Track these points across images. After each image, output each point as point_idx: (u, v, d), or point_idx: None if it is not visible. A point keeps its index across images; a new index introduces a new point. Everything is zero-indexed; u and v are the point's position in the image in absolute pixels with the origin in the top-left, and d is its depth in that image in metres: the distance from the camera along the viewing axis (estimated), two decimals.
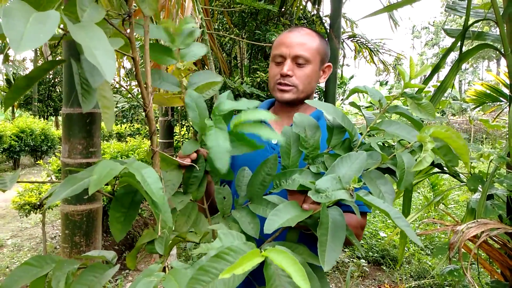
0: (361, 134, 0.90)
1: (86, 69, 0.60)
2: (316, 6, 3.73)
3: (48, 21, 0.45)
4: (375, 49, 5.33)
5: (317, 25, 4.09)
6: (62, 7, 0.66)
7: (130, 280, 3.47)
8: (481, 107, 3.50)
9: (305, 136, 0.86)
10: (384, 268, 3.76)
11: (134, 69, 0.75)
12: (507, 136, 1.23)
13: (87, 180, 0.61)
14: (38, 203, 3.40)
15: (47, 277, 0.70)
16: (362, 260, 3.78)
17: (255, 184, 0.86)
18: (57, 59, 0.68)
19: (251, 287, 0.82)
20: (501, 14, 1.56)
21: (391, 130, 0.84)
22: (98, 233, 1.62)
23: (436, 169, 1.72)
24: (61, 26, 0.62)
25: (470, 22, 1.72)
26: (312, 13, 4.10)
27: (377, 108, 0.90)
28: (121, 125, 9.11)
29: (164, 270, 0.69)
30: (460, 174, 1.68)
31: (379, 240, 4.27)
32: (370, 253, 3.97)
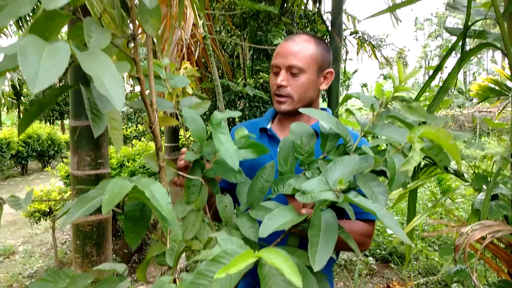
0: (364, 137, 0.92)
1: (96, 95, 0.62)
2: (317, 5, 3.73)
3: (60, 54, 0.47)
4: (377, 45, 5.32)
5: (318, 23, 4.08)
6: (66, 32, 0.68)
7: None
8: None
9: (300, 143, 0.90)
10: (392, 265, 3.77)
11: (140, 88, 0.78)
12: (510, 134, 1.23)
13: (98, 199, 0.63)
14: (48, 210, 3.45)
15: None
16: (370, 258, 3.79)
17: (254, 190, 0.89)
18: (66, 84, 0.70)
19: None
20: (502, 12, 1.56)
21: (385, 133, 0.86)
22: (108, 243, 1.65)
23: (439, 169, 1.73)
24: None
25: (471, 21, 1.72)
26: (314, 12, 4.09)
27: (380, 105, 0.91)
28: (126, 129, 9.16)
29: (174, 281, 0.72)
30: (465, 174, 1.69)
31: (387, 238, 4.27)
32: (378, 250, 3.98)
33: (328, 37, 3.97)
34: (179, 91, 1.03)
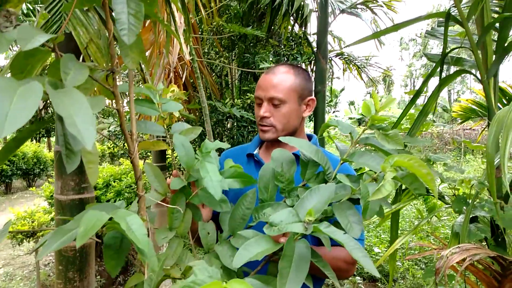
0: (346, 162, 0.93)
1: (68, 134, 0.62)
2: (303, 28, 3.83)
3: (31, 96, 0.47)
4: (362, 66, 5.44)
5: (304, 46, 4.18)
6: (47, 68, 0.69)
7: None
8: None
9: (281, 171, 0.91)
10: (380, 284, 3.77)
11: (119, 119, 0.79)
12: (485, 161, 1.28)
13: (74, 232, 0.64)
14: (31, 231, 3.39)
15: None
16: (358, 278, 3.79)
17: (235, 218, 0.90)
18: (43, 120, 0.71)
19: None
20: (476, 42, 1.63)
21: (362, 161, 0.88)
22: (91, 267, 1.63)
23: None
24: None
25: (448, 49, 1.79)
26: (299, 36, 4.19)
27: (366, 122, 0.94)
28: (113, 149, 9.08)
29: None
30: (445, 196, 1.73)
31: (373, 257, 4.28)
32: (365, 269, 3.98)
33: (314, 59, 4.07)
34: (166, 114, 1.04)
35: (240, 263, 0.67)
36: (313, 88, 1.30)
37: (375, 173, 0.82)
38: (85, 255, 1.58)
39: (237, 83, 4.49)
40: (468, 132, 14.55)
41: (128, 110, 0.82)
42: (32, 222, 3.42)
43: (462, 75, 1.97)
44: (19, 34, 0.54)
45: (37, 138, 14.57)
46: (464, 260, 1.22)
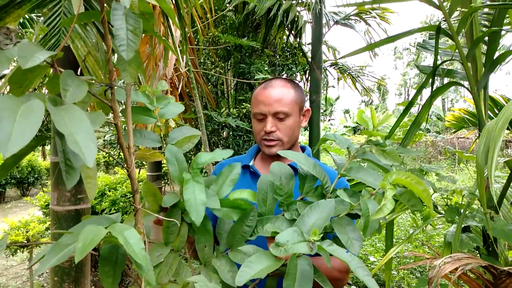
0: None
1: (69, 150, 0.62)
2: (298, 39, 3.88)
3: (33, 115, 0.48)
4: (357, 75, 5.51)
5: (299, 56, 4.23)
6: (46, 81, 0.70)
7: None
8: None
9: (280, 184, 0.91)
10: None
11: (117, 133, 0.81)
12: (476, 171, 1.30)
13: (72, 247, 0.63)
14: (25, 241, 3.36)
15: None
16: (353, 287, 3.79)
17: (235, 234, 0.89)
18: (43, 135, 0.72)
19: None
20: (466, 54, 1.67)
21: (359, 176, 0.89)
22: (86, 278, 1.63)
23: None
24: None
25: (439, 61, 1.83)
26: (294, 47, 4.24)
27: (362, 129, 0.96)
28: (108, 158, 9.04)
29: None
30: (438, 206, 1.75)
31: (369, 265, 4.29)
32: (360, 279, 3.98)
33: (308, 69, 4.12)
34: (163, 123, 1.01)
35: (244, 281, 0.67)
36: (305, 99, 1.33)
37: (374, 189, 0.83)
38: (81, 266, 1.57)
39: (232, 92, 4.52)
40: (462, 140, 14.69)
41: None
42: (27, 232, 3.39)
43: None
44: (19, 52, 0.55)
45: None
46: (456, 269, 1.24)
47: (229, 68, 4.32)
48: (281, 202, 0.90)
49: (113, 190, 4.20)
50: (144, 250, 0.62)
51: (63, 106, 0.56)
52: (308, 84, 4.19)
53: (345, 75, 5.44)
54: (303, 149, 1.32)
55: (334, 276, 1.08)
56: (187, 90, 3.89)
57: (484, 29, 1.86)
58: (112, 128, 6.15)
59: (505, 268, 1.26)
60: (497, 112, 2.38)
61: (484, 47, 1.75)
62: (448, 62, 1.91)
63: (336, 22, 4.18)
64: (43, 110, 0.49)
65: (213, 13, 3.86)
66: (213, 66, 4.27)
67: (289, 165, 1.10)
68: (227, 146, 3.95)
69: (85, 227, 0.60)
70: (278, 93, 1.17)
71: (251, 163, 1.29)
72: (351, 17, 4.29)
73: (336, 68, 5.33)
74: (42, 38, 1.16)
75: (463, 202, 1.59)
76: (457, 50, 1.69)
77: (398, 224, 6.15)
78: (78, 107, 0.56)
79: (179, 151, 0.88)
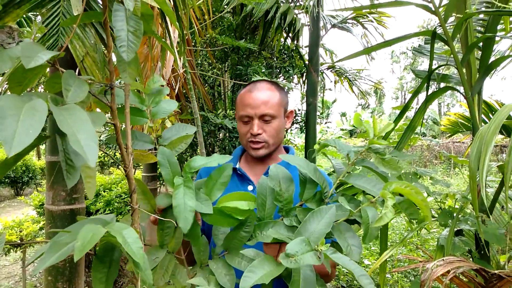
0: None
1: (70, 149, 0.64)
2: (295, 42, 3.90)
3: (37, 114, 0.48)
4: (354, 79, 5.53)
5: (296, 59, 4.24)
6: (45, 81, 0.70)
7: None
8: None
9: (279, 190, 0.90)
10: None
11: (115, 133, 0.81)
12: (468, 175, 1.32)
13: (71, 246, 0.63)
14: (18, 241, 3.34)
15: None
16: None
17: (233, 238, 0.88)
18: (45, 135, 0.72)
19: None
20: (460, 60, 1.69)
21: (358, 184, 0.90)
22: (80, 278, 1.63)
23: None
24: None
25: (434, 66, 1.85)
26: (291, 49, 4.26)
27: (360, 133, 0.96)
28: (104, 158, 9.00)
29: None
30: (432, 210, 1.77)
31: (364, 268, 4.30)
32: (355, 282, 4.00)
33: (305, 72, 4.14)
34: (159, 124, 1.01)
35: (250, 284, 0.68)
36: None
37: (374, 197, 0.84)
38: (75, 266, 1.57)
39: (229, 94, 4.53)
40: (458, 145, 14.76)
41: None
42: (20, 231, 3.38)
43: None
44: (23, 51, 0.55)
45: None
46: (448, 272, 1.26)
47: (226, 69, 4.32)
48: (281, 208, 0.90)
49: (108, 190, 4.19)
50: (142, 249, 0.62)
51: (65, 106, 0.57)
52: (305, 86, 4.21)
53: (342, 78, 5.46)
54: (287, 149, 1.33)
55: (325, 272, 1.10)
56: (184, 91, 3.89)
57: (479, 35, 1.88)
58: (107, 128, 6.13)
59: (496, 272, 1.28)
60: (492, 117, 2.40)
61: (478, 53, 1.77)
62: (445, 67, 1.93)
63: (334, 26, 4.20)
64: (46, 109, 0.50)
65: (211, 14, 3.87)
66: (210, 67, 4.27)
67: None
68: (223, 148, 3.96)
69: (83, 226, 0.61)
70: (264, 96, 1.17)
71: (237, 166, 1.29)
72: (348, 21, 4.32)
73: (333, 71, 5.35)
74: (41, 38, 1.17)
75: (456, 206, 1.60)
76: (452, 55, 1.71)
77: (393, 228, 6.17)
78: (80, 108, 0.57)
79: (171, 153, 0.86)
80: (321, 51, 4.68)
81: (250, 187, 1.22)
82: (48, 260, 0.62)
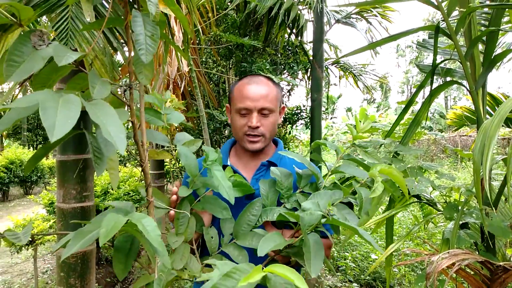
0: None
1: (100, 140, 0.70)
2: (299, 38, 3.90)
3: (72, 106, 0.53)
4: (359, 74, 5.52)
5: (300, 55, 4.25)
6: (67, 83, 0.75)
7: None
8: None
9: (280, 180, 1.05)
10: None
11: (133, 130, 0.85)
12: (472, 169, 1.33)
13: (95, 233, 0.69)
14: (30, 239, 3.40)
15: None
16: (355, 284, 3.82)
17: (241, 223, 0.99)
18: (71, 130, 0.79)
19: None
20: (464, 54, 1.69)
21: (349, 171, 1.03)
22: (92, 274, 1.66)
23: (414, 199, 1.82)
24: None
25: (439, 60, 1.85)
26: (296, 45, 4.26)
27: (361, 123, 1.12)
28: None
29: None
30: (437, 203, 1.78)
31: (371, 263, 4.31)
32: (362, 276, 4.01)
33: (310, 67, 4.14)
34: (172, 127, 1.10)
35: (264, 252, 0.77)
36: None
37: (363, 179, 1.01)
38: (86, 262, 1.61)
39: None
40: (465, 138, 14.66)
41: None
42: (31, 230, 3.43)
43: (460, 80, 2.03)
44: (55, 51, 0.60)
45: (35, 146, 14.58)
46: (453, 264, 1.27)
47: (230, 67, 4.34)
48: (282, 195, 1.03)
49: (116, 188, 4.24)
50: (160, 236, 0.66)
51: (93, 101, 0.62)
52: (310, 82, 4.22)
53: (347, 73, 5.45)
54: (275, 142, 1.36)
55: (329, 243, 1.21)
56: (189, 89, 3.91)
57: (483, 28, 1.88)
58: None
59: (501, 264, 1.29)
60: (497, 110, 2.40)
61: (482, 47, 1.77)
62: (449, 61, 1.93)
63: (338, 21, 4.19)
64: (80, 103, 0.55)
65: (215, 12, 3.89)
66: (215, 65, 4.29)
67: (269, 161, 1.25)
68: None
69: (105, 216, 0.65)
70: (263, 90, 1.18)
71: (228, 163, 1.30)
72: (352, 16, 4.30)
73: (337, 66, 5.34)
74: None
75: (462, 199, 1.61)
76: (456, 50, 1.72)
77: (400, 223, 6.17)
78: (107, 103, 0.62)
79: (188, 149, 0.98)
80: (325, 46, 4.66)
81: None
82: (75, 246, 0.66)
